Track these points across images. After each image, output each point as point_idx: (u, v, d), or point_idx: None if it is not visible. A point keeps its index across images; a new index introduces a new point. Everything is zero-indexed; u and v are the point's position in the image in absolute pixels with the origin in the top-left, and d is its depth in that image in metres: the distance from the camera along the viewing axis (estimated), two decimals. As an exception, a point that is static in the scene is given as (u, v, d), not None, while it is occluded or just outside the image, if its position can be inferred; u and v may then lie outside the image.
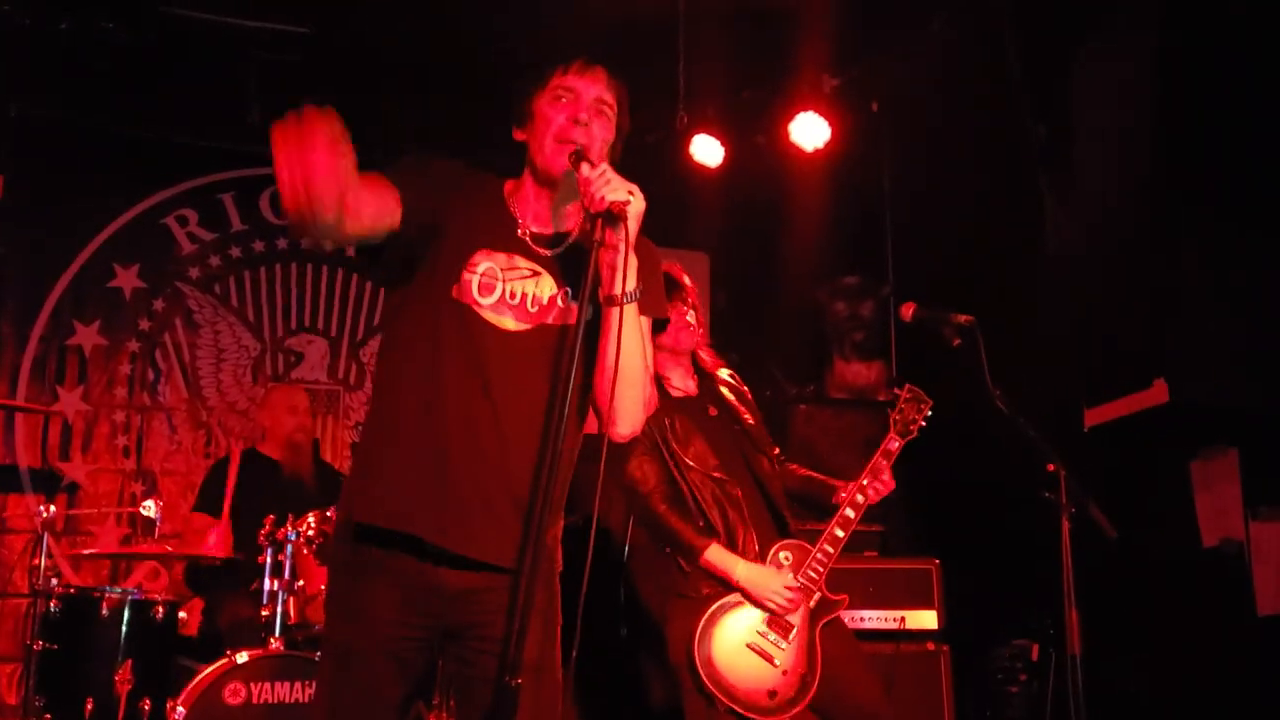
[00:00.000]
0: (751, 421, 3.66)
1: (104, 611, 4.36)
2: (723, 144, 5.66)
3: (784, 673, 3.31)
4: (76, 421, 5.53)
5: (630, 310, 2.13)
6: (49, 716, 4.25)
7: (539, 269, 2.24)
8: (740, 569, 3.36)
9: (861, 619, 4.61)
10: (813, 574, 3.38)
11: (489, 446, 2.14)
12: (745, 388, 3.83)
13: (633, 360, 2.15)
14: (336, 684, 2.17)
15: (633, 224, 2.07)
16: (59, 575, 5.09)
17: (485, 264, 2.20)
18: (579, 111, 2.23)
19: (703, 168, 5.74)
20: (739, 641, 3.33)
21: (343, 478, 4.78)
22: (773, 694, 3.29)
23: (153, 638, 4.36)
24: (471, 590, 2.12)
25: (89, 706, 4.25)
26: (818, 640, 3.36)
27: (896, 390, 3.65)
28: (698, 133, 5.63)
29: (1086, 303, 4.59)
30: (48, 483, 5.41)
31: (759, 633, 3.35)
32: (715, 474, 3.48)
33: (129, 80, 5.58)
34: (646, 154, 6.19)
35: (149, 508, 4.38)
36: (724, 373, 3.83)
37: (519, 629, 1.93)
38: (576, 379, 2.05)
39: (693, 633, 3.32)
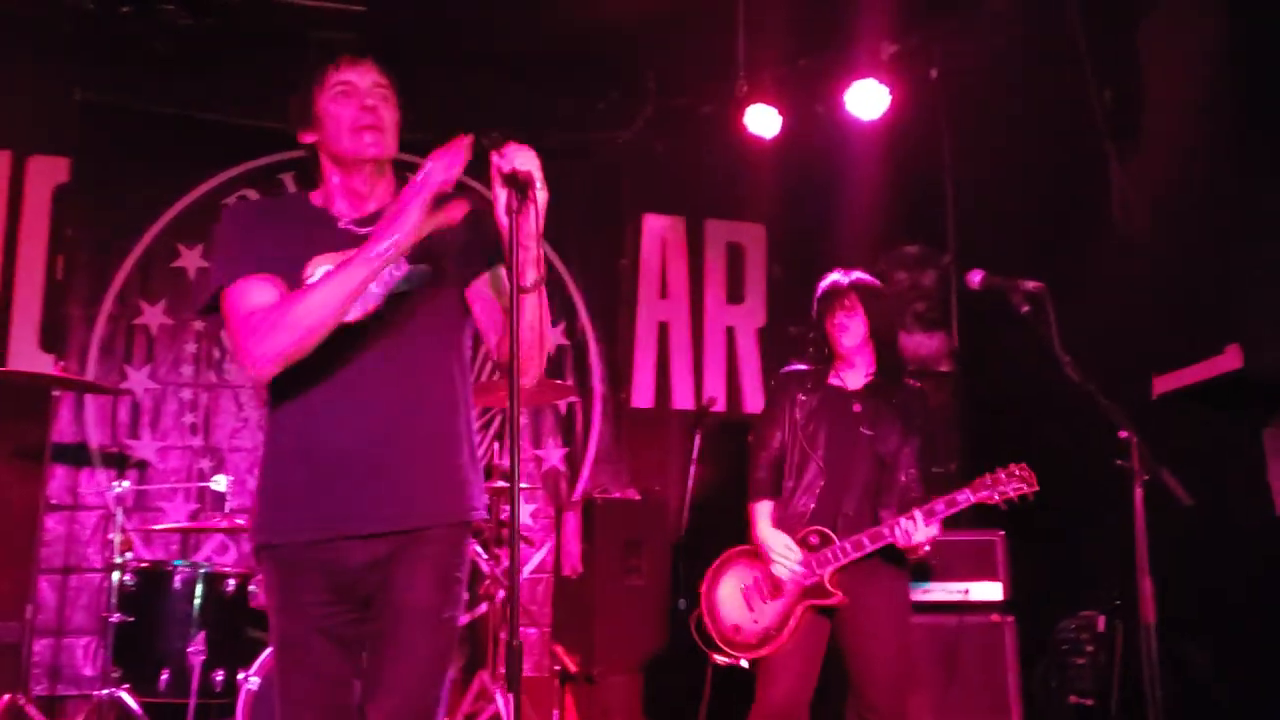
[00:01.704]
0: (890, 433, 3.89)
1: (177, 584, 4.47)
2: (780, 114, 5.61)
3: (754, 620, 3.82)
4: (145, 400, 5.63)
5: (541, 293, 2.23)
6: (127, 686, 4.38)
7: None
8: (761, 528, 3.88)
9: (926, 591, 4.60)
10: (825, 558, 3.75)
11: (363, 434, 2.27)
12: (922, 411, 4.02)
13: (544, 329, 2.29)
14: (284, 670, 2.31)
15: (540, 195, 2.13)
16: (131, 550, 5.19)
17: (321, 268, 2.28)
18: (365, 98, 2.35)
19: (759, 139, 5.70)
20: (738, 580, 3.91)
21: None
22: (736, 629, 3.85)
23: (224, 610, 4.47)
24: (376, 559, 2.27)
25: (164, 677, 4.37)
26: (796, 613, 3.77)
27: (1014, 467, 3.79)
28: (753, 103, 5.58)
29: (1154, 269, 4.50)
30: (118, 460, 5.52)
31: (754, 579, 3.87)
32: (816, 452, 3.87)
33: (189, 62, 5.65)
34: (702, 126, 6.17)
35: (219, 482, 4.47)
36: (906, 390, 4.01)
37: (511, 597, 2.04)
38: (449, 339, 2.37)
39: (721, 558, 3.97)
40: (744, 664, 3.82)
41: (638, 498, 5.84)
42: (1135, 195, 4.66)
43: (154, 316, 5.71)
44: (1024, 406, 5.21)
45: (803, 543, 3.81)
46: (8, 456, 5.34)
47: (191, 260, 5.78)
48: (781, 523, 3.85)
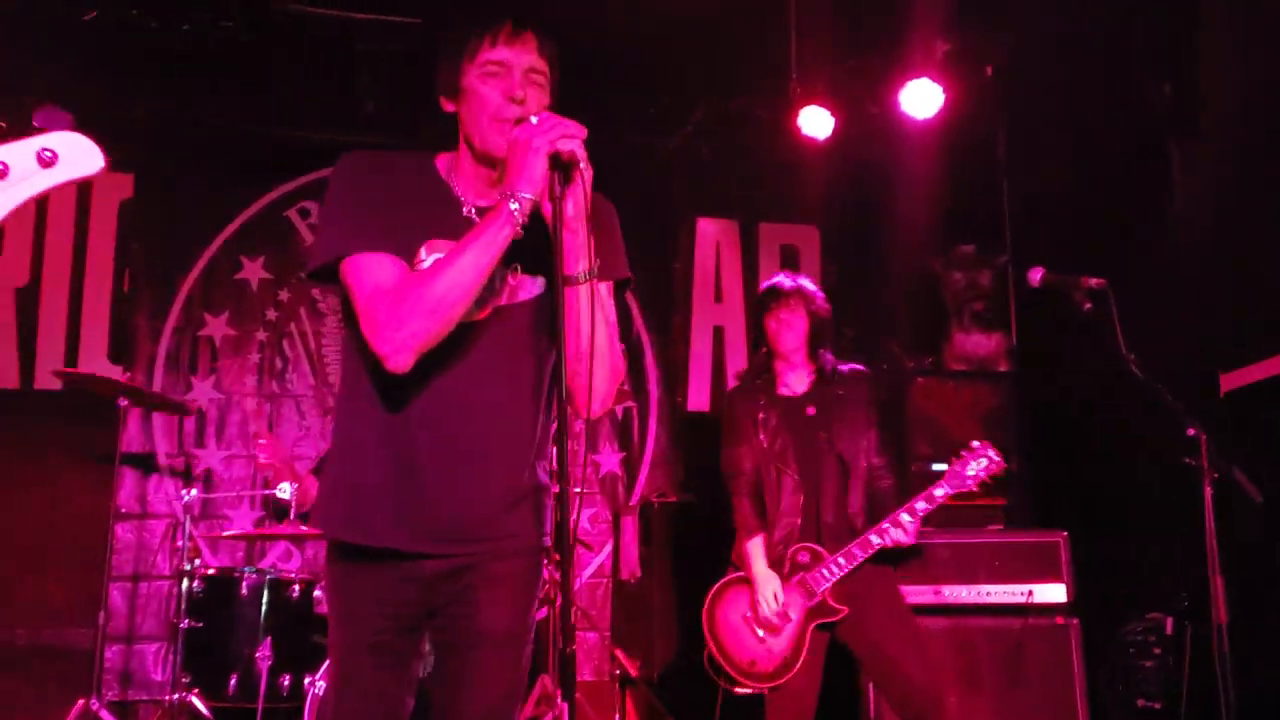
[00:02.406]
0: (843, 429, 3.99)
1: (244, 591, 4.53)
2: (832, 114, 5.58)
3: (769, 650, 3.88)
4: (210, 410, 5.73)
5: (588, 286, 2.06)
6: (196, 691, 4.44)
7: None
8: (755, 567, 3.93)
9: (988, 593, 4.55)
10: (820, 577, 3.86)
11: (456, 444, 2.14)
12: (869, 394, 4.10)
13: (597, 338, 2.08)
14: (338, 680, 2.22)
15: (586, 173, 2.00)
16: (199, 557, 5.29)
17: (433, 256, 2.12)
18: (513, 88, 2.13)
19: (812, 140, 5.67)
20: (740, 611, 3.96)
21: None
22: (752, 663, 3.89)
23: (290, 616, 4.52)
24: (448, 571, 2.17)
25: (233, 682, 4.43)
26: (807, 635, 3.85)
27: (975, 445, 3.93)
28: (807, 104, 5.56)
29: (1219, 264, 4.43)
30: (185, 469, 5.63)
31: (756, 609, 3.91)
32: (789, 468, 3.95)
33: (248, 77, 5.74)
34: (755, 128, 6.16)
35: (284, 490, 4.52)
36: (850, 378, 4.10)
37: (565, 604, 1.92)
38: (547, 358, 2.16)
39: (711, 592, 4.03)
40: (764, 691, 3.86)
41: (694, 501, 5.84)
42: (1197, 189, 4.58)
43: (218, 328, 5.81)
44: (1085, 406, 5.15)
45: (792, 563, 3.91)
46: (79, 467, 5.47)
47: (253, 272, 5.88)
48: (772, 546, 3.95)
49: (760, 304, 4.19)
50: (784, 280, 4.19)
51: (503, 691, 2.20)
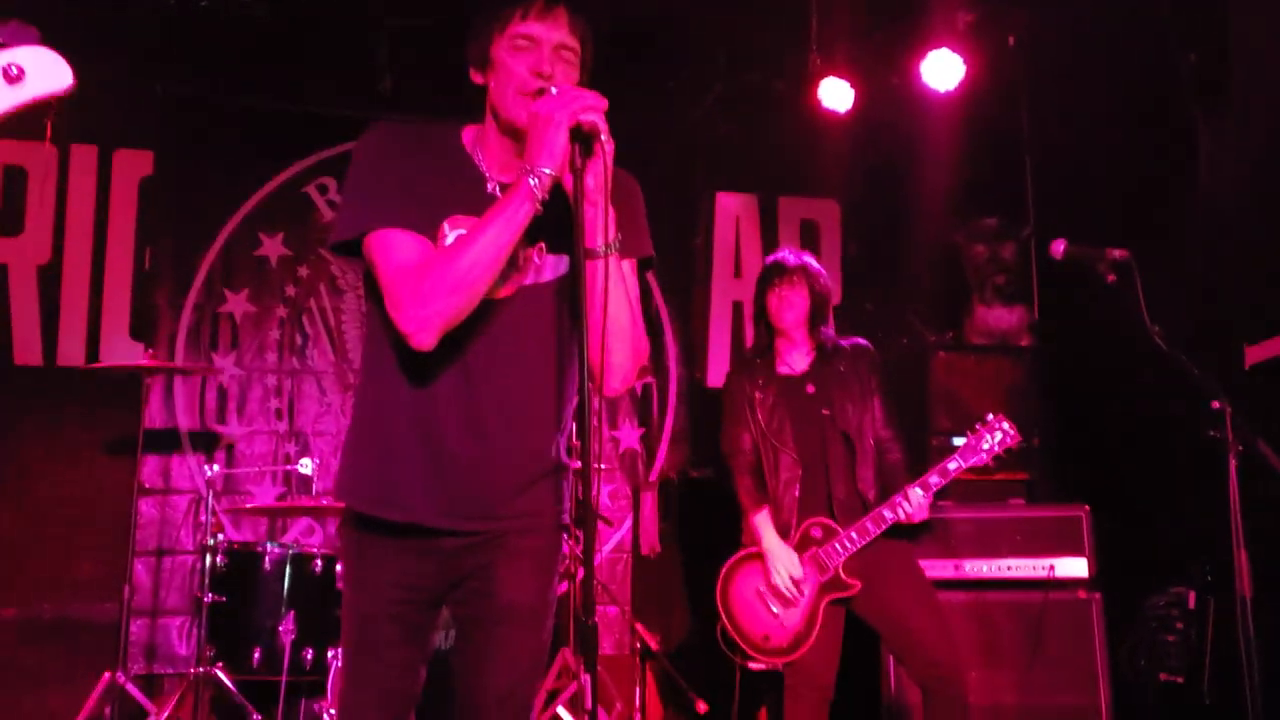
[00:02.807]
0: (845, 404, 3.98)
1: (267, 565, 4.57)
2: (853, 87, 5.54)
3: (781, 624, 3.89)
4: (231, 386, 5.76)
5: (612, 261, 2.05)
6: (221, 664, 4.49)
7: None
8: (767, 539, 3.93)
9: (1010, 568, 4.54)
10: (833, 551, 3.86)
11: (481, 421, 2.14)
12: (871, 367, 4.08)
13: (618, 313, 2.08)
14: (352, 647, 2.23)
15: (607, 146, 1.98)
16: (222, 532, 5.33)
17: (455, 232, 2.13)
18: (541, 63, 2.11)
19: (832, 113, 5.63)
20: (753, 586, 3.97)
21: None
22: (766, 637, 3.91)
23: (313, 590, 4.57)
24: (469, 545, 2.18)
25: (256, 655, 4.47)
26: (820, 610, 3.85)
27: (990, 418, 3.93)
28: (826, 77, 5.52)
29: (1246, 235, 4.38)
30: (207, 445, 5.66)
31: (769, 584, 3.92)
32: (786, 446, 3.96)
33: (267, 53, 5.74)
34: (774, 102, 6.12)
35: (306, 465, 4.55)
36: (851, 353, 4.09)
37: (586, 578, 1.96)
38: (571, 336, 2.14)
39: (724, 569, 4.04)
40: (781, 668, 3.87)
41: (714, 477, 5.84)
42: (1224, 161, 4.53)
43: (238, 304, 5.83)
44: (1108, 379, 5.12)
45: (805, 537, 3.92)
46: (102, 443, 5.51)
47: (273, 248, 5.88)
48: (777, 515, 3.96)
49: (763, 279, 4.18)
50: (788, 256, 4.18)
51: (525, 665, 2.21)
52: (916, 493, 3.81)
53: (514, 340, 2.16)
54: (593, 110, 1.98)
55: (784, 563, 3.89)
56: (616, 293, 2.06)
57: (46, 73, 1.40)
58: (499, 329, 2.14)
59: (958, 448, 3.91)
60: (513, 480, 2.19)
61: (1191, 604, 4.48)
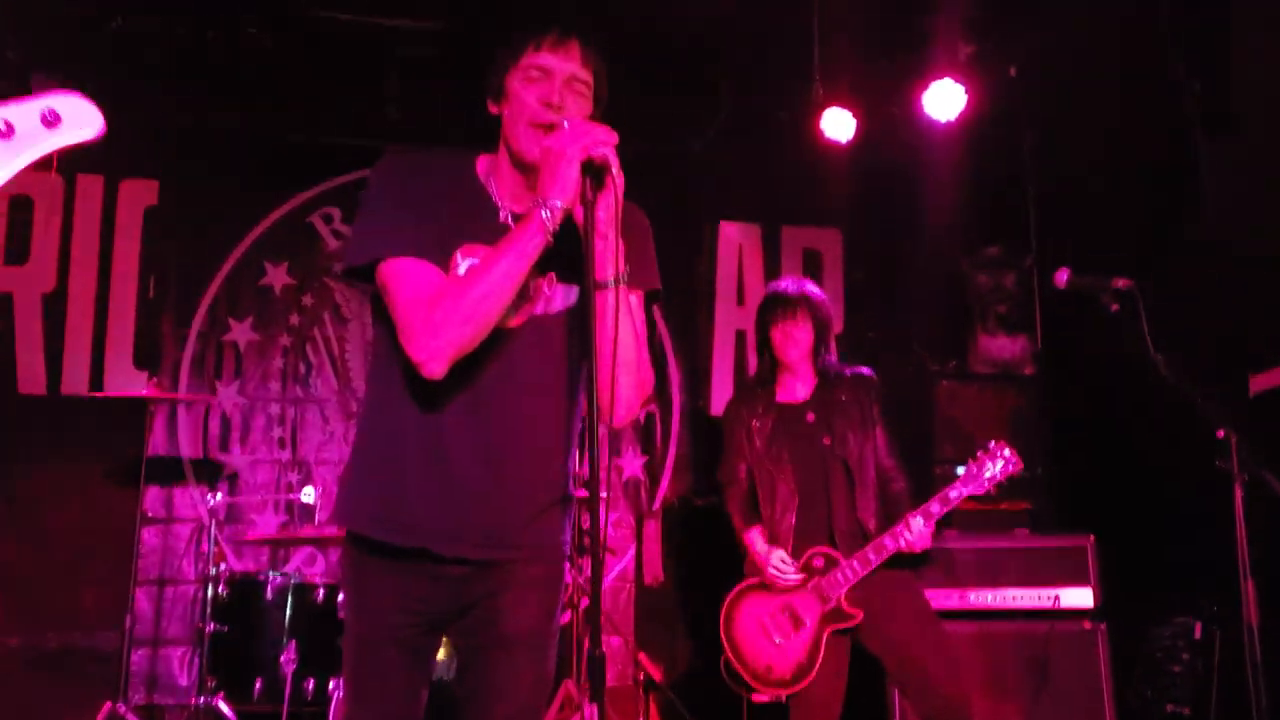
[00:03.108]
0: (846, 434, 3.96)
1: (269, 595, 4.56)
2: (855, 117, 5.56)
3: (784, 655, 3.86)
4: (234, 414, 5.76)
5: (621, 293, 2.05)
6: (222, 694, 4.46)
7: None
8: (757, 547, 3.97)
9: (1014, 598, 4.52)
10: (835, 581, 3.84)
11: (490, 449, 2.16)
12: (872, 397, 4.07)
13: (625, 346, 2.06)
14: (355, 672, 2.24)
15: (618, 179, 2.00)
16: (225, 561, 5.31)
17: (468, 261, 2.15)
18: (552, 94, 2.15)
19: (835, 143, 5.65)
20: (755, 618, 3.95)
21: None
22: (769, 669, 3.88)
23: (315, 619, 4.55)
24: (477, 573, 2.19)
25: (258, 685, 4.45)
26: (823, 641, 3.83)
27: (991, 445, 3.91)
28: (829, 107, 5.55)
29: (1250, 263, 4.38)
30: (210, 473, 5.66)
31: (772, 616, 3.91)
32: (783, 474, 3.96)
33: (272, 84, 5.77)
34: (778, 131, 6.14)
35: (309, 494, 4.54)
36: (852, 382, 4.08)
37: (593, 602, 1.96)
38: (580, 367, 2.21)
39: (727, 601, 4.02)
40: (785, 699, 3.85)
41: (718, 505, 5.82)
42: (1227, 188, 4.53)
43: (242, 333, 5.84)
44: (1111, 409, 5.11)
45: (807, 566, 3.90)
46: (105, 472, 5.50)
47: (277, 277, 5.90)
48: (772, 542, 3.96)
49: (765, 311, 4.16)
50: (788, 287, 4.15)
51: (529, 693, 2.22)
52: (918, 521, 3.79)
53: (524, 369, 2.17)
54: (604, 145, 2.00)
55: (776, 556, 3.90)
56: (624, 325, 2.05)
57: (80, 119, 1.47)
58: (509, 358, 2.16)
59: (959, 476, 3.90)
60: (523, 509, 2.20)
61: (1198, 634, 4.45)
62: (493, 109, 2.25)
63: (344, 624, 2.32)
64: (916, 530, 3.78)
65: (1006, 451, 3.85)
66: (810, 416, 4.02)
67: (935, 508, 3.81)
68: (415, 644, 2.22)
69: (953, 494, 3.82)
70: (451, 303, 2.04)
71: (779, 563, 3.88)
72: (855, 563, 3.82)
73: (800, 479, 3.96)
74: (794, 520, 3.91)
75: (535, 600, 2.22)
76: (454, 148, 2.34)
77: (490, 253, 2.07)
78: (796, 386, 4.11)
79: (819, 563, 3.88)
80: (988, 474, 3.83)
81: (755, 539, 3.99)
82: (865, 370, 4.15)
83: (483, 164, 2.29)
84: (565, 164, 2.00)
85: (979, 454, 3.89)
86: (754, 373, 4.28)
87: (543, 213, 2.02)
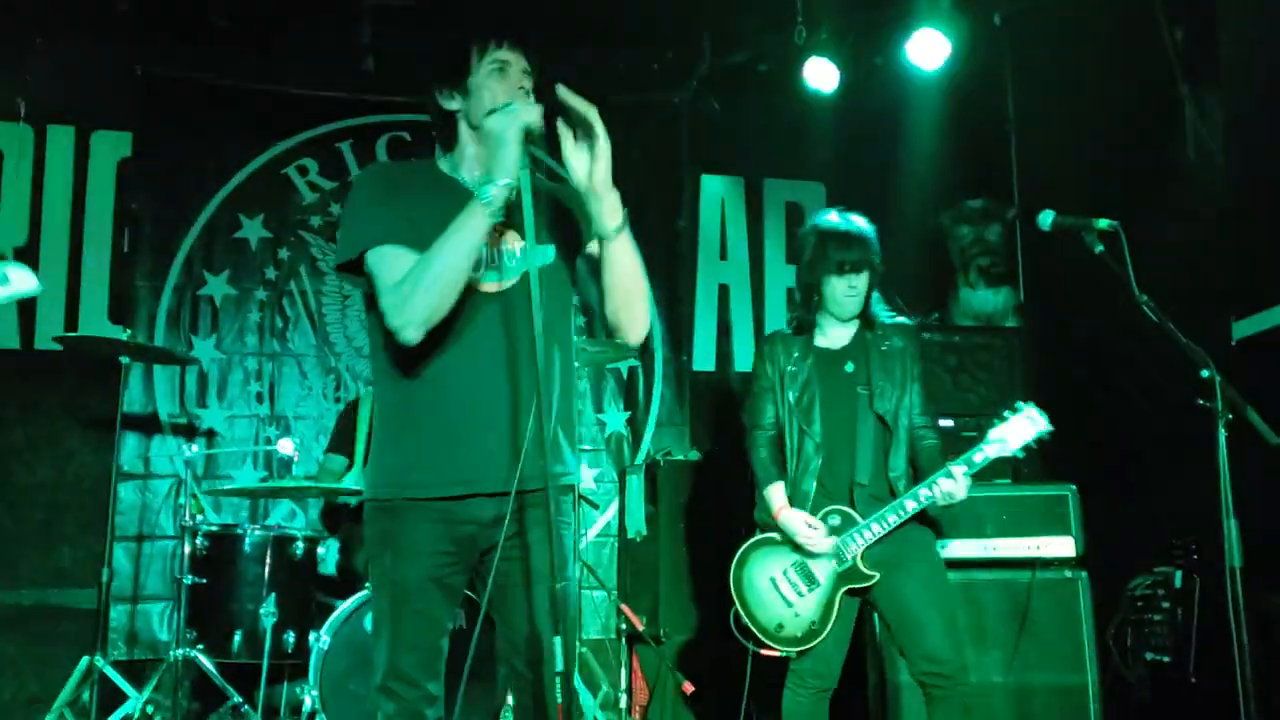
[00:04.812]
0: (885, 386, 3.74)
1: (247, 548, 4.52)
2: (838, 68, 5.51)
3: (795, 614, 3.69)
4: (211, 369, 5.70)
5: (623, 236, 2.40)
6: (201, 648, 4.44)
7: (502, 224, 2.45)
8: (780, 504, 3.73)
9: (995, 547, 4.52)
10: (852, 542, 3.64)
11: (492, 404, 2.43)
12: (914, 350, 3.85)
13: (638, 275, 2.48)
14: (397, 615, 2.46)
15: (603, 144, 2.31)
16: (203, 514, 5.27)
17: None
18: (518, 82, 2.47)
19: (817, 94, 5.60)
20: (767, 573, 3.76)
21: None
22: (780, 627, 3.71)
23: (294, 573, 4.52)
24: (499, 515, 2.39)
25: (237, 638, 4.43)
26: (837, 600, 3.66)
27: (1025, 411, 3.65)
28: (811, 58, 5.49)
29: (1231, 210, 4.36)
30: (187, 429, 5.61)
31: (785, 572, 3.73)
32: (808, 426, 3.73)
33: (246, 34, 5.68)
34: (760, 83, 6.09)
35: (286, 447, 4.50)
36: (895, 332, 3.83)
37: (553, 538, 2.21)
38: (563, 318, 2.53)
39: (739, 553, 3.82)
40: (792, 655, 3.72)
41: (701, 460, 5.81)
42: (1210, 134, 4.51)
43: (218, 287, 5.77)
44: (1094, 360, 5.11)
45: (823, 524, 3.69)
46: (81, 428, 5.46)
47: (253, 230, 5.83)
48: (790, 503, 3.72)
49: (825, 256, 3.73)
50: (851, 229, 3.77)
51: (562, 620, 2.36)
52: (961, 468, 3.57)
53: (511, 327, 2.43)
54: (533, 113, 2.31)
55: (799, 519, 3.66)
56: (636, 259, 2.44)
57: (21, 281, 1.85)
58: (495, 319, 2.44)
59: (987, 436, 3.64)
60: (529, 453, 2.35)
61: (1178, 583, 4.47)
62: (447, 104, 2.52)
63: (375, 581, 2.52)
64: (960, 478, 3.56)
65: (1034, 415, 3.64)
66: (849, 365, 3.80)
67: (978, 458, 3.59)
68: (449, 581, 2.47)
69: (976, 457, 3.59)
70: (414, 277, 2.33)
71: (806, 528, 3.66)
72: (875, 524, 3.63)
73: (828, 430, 3.72)
74: (816, 482, 3.70)
75: (546, 537, 2.35)
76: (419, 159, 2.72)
77: (447, 232, 2.35)
78: (837, 332, 3.84)
79: (835, 521, 3.69)
80: (1017, 437, 3.60)
81: (779, 496, 3.74)
82: (906, 320, 3.93)
83: (444, 163, 2.59)
84: (504, 145, 2.30)
85: (1009, 417, 3.64)
86: (796, 319, 3.93)
87: (480, 192, 2.31)
